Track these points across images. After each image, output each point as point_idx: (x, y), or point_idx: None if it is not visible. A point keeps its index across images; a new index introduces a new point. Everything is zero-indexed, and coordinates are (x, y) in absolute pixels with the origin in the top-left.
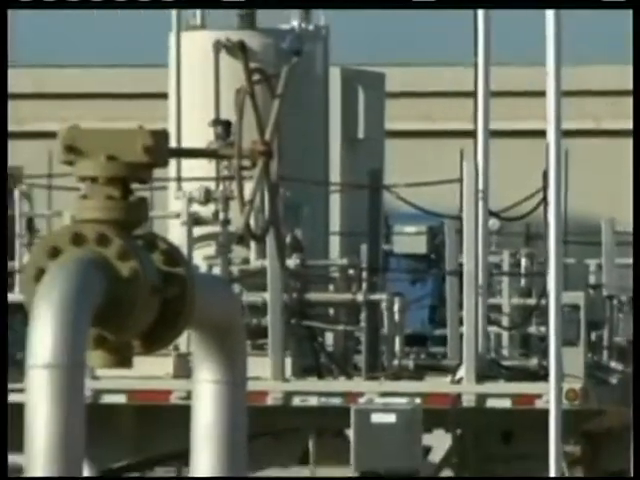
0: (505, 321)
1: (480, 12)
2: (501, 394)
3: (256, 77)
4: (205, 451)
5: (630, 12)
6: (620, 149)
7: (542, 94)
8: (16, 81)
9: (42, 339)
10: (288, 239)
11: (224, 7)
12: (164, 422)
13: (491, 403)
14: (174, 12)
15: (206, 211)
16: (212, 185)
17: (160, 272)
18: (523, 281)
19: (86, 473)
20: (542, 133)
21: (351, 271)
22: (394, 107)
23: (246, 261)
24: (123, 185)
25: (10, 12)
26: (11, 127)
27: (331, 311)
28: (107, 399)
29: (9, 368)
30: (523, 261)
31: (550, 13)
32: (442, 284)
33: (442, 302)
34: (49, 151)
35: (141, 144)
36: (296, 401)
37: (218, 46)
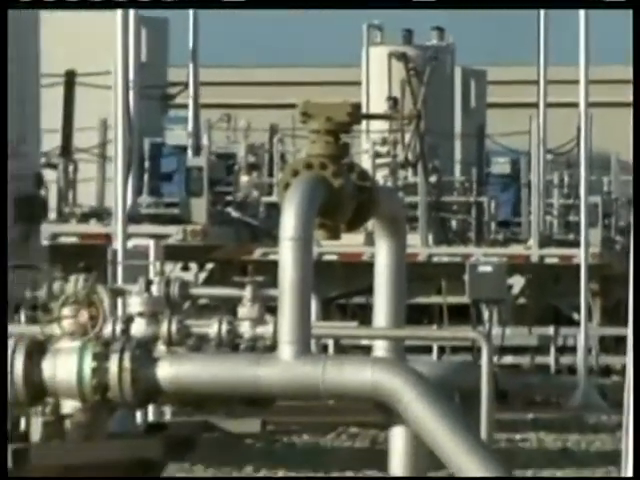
0: (555, 213)
1: (542, 28)
2: (552, 255)
3: (412, 73)
4: (383, 286)
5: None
6: (627, 114)
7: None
8: (273, 75)
9: (288, 222)
10: (430, 166)
11: (224, 7)
12: (359, 271)
13: (547, 260)
14: (365, 33)
15: (382, 149)
16: (386, 134)
17: (356, 185)
18: (566, 189)
19: (313, 301)
20: (576, 104)
21: (467, 184)
22: (492, 89)
23: (405, 178)
24: (335, 135)
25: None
26: (270, 100)
27: (455, 207)
28: (325, 258)
29: (271, 242)
30: (566, 178)
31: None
32: (519, 192)
33: (519, 202)
34: (292, 115)
35: (345, 111)
36: (434, 259)
37: (390, 55)
